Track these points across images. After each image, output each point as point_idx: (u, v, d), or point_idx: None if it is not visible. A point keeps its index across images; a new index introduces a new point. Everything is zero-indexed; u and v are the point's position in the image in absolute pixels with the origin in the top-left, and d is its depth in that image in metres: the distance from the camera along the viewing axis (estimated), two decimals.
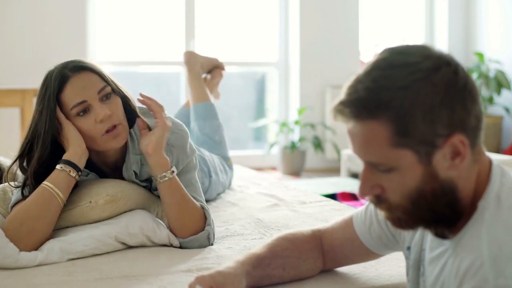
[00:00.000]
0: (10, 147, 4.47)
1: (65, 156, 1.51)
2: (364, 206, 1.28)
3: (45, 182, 1.49)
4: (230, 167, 2.47)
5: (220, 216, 1.97)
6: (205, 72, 2.64)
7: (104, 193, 1.57)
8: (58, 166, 1.50)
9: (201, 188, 1.70)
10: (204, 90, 2.54)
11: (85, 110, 1.51)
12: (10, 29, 4.72)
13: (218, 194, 2.34)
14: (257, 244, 1.61)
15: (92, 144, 1.55)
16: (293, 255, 1.28)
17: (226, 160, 2.43)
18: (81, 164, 1.52)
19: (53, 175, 1.49)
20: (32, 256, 1.42)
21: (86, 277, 1.34)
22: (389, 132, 0.89)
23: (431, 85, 0.89)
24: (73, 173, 1.50)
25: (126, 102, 1.59)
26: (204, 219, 1.59)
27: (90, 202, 1.55)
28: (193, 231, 1.56)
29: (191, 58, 2.59)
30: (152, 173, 1.56)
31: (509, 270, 0.85)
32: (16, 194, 1.55)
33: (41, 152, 1.51)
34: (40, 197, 1.47)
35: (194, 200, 1.59)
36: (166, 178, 1.54)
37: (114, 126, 1.52)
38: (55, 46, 4.80)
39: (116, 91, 1.56)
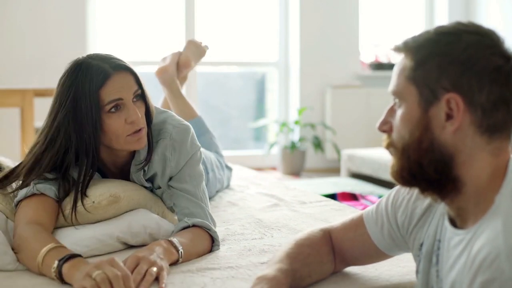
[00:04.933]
0: (10, 147, 4.49)
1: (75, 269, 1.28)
2: (374, 206, 1.28)
3: (43, 252, 1.33)
4: (228, 167, 2.47)
5: (220, 216, 1.97)
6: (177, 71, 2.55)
7: (107, 193, 1.56)
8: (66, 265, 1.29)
9: (204, 183, 1.69)
10: (189, 106, 2.46)
11: (117, 107, 1.51)
12: (10, 29, 4.72)
13: (217, 192, 2.34)
14: (257, 245, 1.61)
15: (113, 143, 1.54)
16: (316, 260, 1.28)
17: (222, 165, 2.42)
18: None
19: (50, 263, 1.31)
20: None
21: None
22: (408, 66, 0.99)
23: (456, 39, 0.97)
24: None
25: (147, 108, 1.59)
26: (211, 242, 1.57)
27: (93, 202, 1.55)
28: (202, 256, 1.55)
29: (165, 77, 2.48)
30: None
31: None
32: (25, 189, 1.53)
33: (83, 147, 1.50)
34: (31, 257, 1.36)
35: (200, 233, 1.54)
36: (181, 260, 1.45)
37: (139, 129, 1.54)
38: (55, 46, 4.80)
39: (145, 97, 1.57)
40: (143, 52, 5.36)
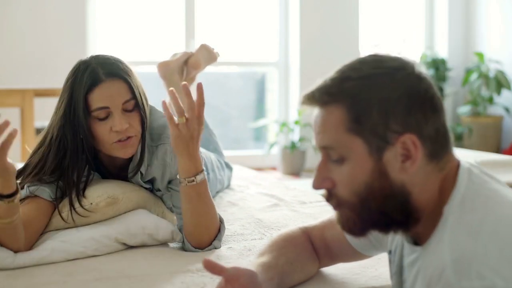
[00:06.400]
0: (10, 147, 4.48)
1: None
2: None
3: None
4: (229, 166, 2.47)
5: None
6: (182, 70, 2.54)
7: (105, 195, 1.56)
8: None
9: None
10: None
11: (106, 115, 1.51)
12: (10, 29, 4.72)
13: (217, 192, 2.34)
14: (257, 245, 1.61)
15: (100, 147, 1.56)
16: (291, 250, 1.28)
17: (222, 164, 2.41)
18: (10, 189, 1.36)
19: None
20: (31, 255, 1.42)
21: (86, 277, 1.34)
22: (344, 117, 0.93)
23: (391, 80, 0.93)
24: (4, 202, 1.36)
25: (142, 118, 1.57)
26: (216, 233, 1.57)
27: (91, 204, 1.55)
28: (203, 243, 1.54)
29: (165, 70, 2.48)
30: (179, 174, 1.50)
31: (472, 271, 0.84)
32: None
33: (71, 149, 1.53)
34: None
35: (216, 212, 1.55)
36: (193, 183, 1.47)
37: (128, 137, 1.53)
38: (55, 46, 4.80)
39: (140, 106, 1.56)
40: (143, 52, 5.36)
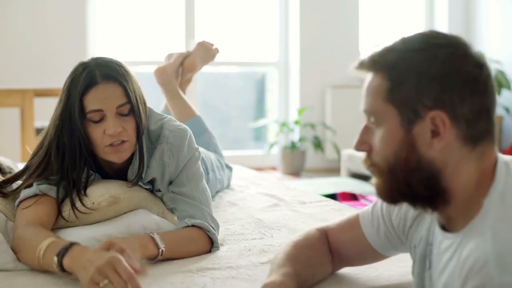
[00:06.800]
0: (10, 147, 4.49)
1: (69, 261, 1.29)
2: (370, 206, 1.27)
3: (40, 249, 1.34)
4: (228, 166, 2.47)
5: (220, 216, 1.97)
6: (177, 73, 2.53)
7: (107, 194, 1.56)
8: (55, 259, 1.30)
9: (204, 182, 1.69)
10: (187, 106, 2.45)
11: (100, 118, 1.50)
12: (10, 29, 4.72)
13: (217, 192, 2.34)
14: (257, 245, 1.61)
15: (96, 150, 1.55)
16: (317, 261, 1.28)
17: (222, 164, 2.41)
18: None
19: (49, 258, 1.32)
20: None
21: None
22: (383, 86, 0.97)
23: (432, 56, 0.95)
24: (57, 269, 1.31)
25: (138, 123, 1.56)
26: (210, 242, 1.57)
27: (93, 203, 1.55)
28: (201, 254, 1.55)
29: (163, 77, 2.47)
30: None
31: None
32: (28, 190, 1.54)
33: (68, 150, 1.52)
34: (30, 254, 1.37)
35: (195, 234, 1.55)
36: (163, 252, 1.45)
37: (122, 142, 1.52)
38: (55, 46, 4.80)
39: (135, 111, 1.54)
40: (143, 52, 5.36)
